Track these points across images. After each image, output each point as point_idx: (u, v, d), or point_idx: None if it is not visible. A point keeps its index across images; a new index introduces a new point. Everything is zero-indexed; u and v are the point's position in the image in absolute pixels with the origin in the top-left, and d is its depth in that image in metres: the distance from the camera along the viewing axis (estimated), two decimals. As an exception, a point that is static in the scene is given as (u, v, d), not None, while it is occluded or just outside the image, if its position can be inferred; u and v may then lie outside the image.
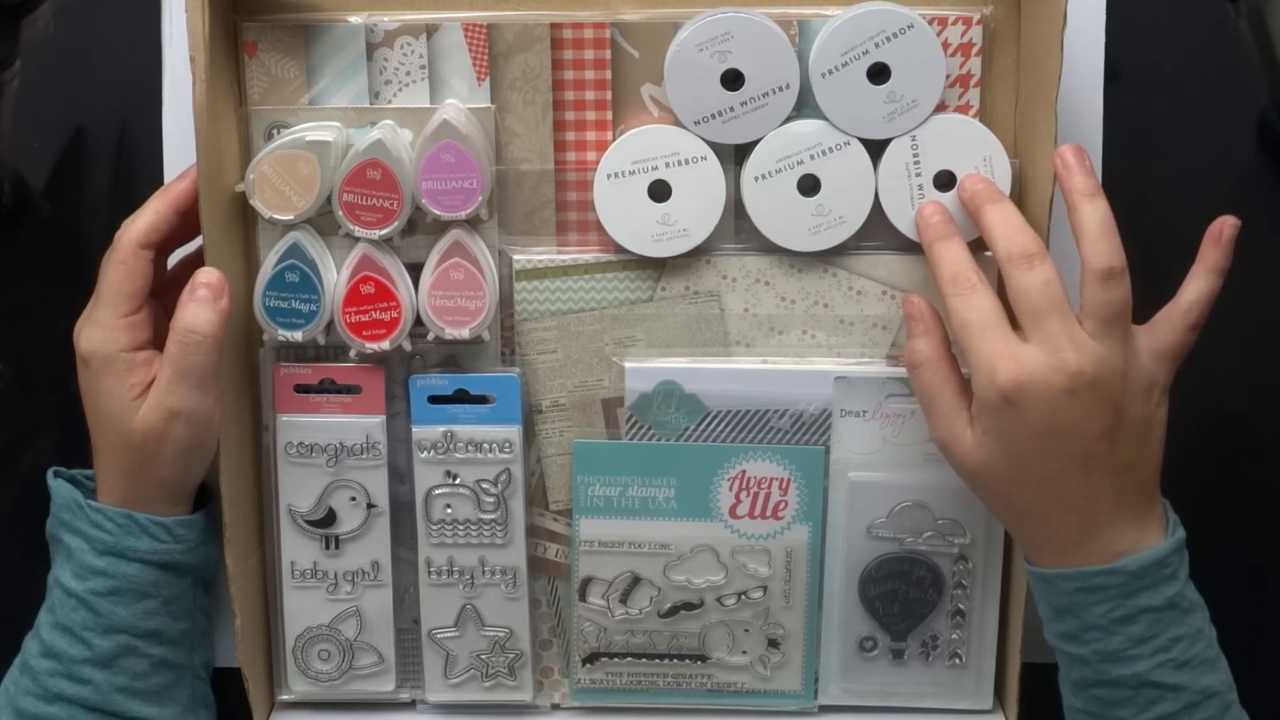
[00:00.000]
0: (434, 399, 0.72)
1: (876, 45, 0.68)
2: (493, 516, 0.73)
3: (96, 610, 0.66)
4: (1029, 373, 0.60)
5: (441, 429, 0.72)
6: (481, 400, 0.72)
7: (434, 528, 0.73)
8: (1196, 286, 0.64)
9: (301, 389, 0.72)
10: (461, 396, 0.72)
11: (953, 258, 0.65)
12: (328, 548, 0.73)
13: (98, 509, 0.67)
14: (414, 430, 0.72)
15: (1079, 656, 0.63)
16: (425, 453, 0.72)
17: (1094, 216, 0.62)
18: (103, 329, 0.66)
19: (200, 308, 0.66)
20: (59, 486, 0.69)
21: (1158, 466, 0.64)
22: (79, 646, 0.66)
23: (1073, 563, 0.62)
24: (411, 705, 0.77)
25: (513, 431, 0.72)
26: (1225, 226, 0.65)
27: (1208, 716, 0.62)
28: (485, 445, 0.72)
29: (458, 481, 0.72)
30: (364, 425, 0.72)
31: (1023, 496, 0.63)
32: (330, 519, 0.73)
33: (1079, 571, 0.62)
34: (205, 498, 0.71)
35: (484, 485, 0.72)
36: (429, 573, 0.73)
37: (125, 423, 0.66)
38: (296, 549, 0.73)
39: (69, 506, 0.68)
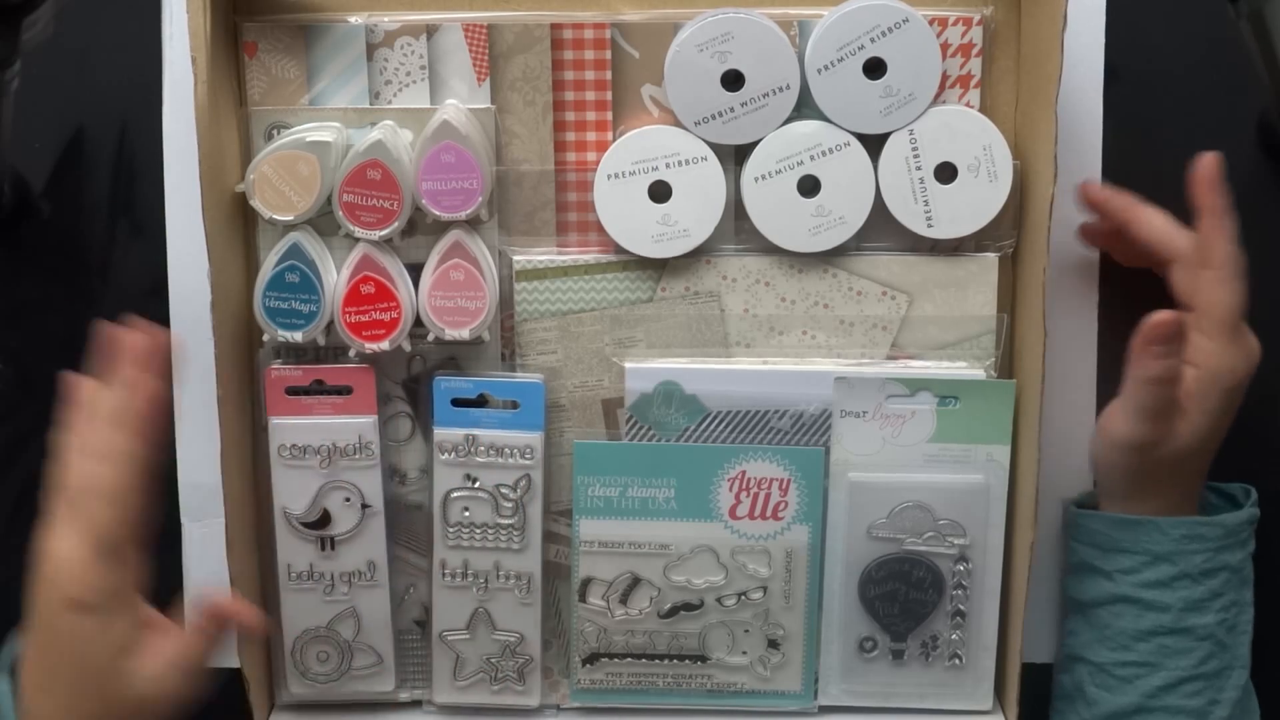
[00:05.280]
0: (456, 402, 0.72)
1: (872, 40, 0.69)
2: (510, 521, 0.73)
3: None
4: (1251, 367, 0.68)
5: (463, 432, 0.72)
6: (481, 402, 0.72)
7: (450, 530, 0.73)
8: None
9: (293, 391, 0.72)
10: (479, 400, 0.72)
11: (1229, 242, 0.68)
12: (323, 549, 0.73)
13: None
14: (435, 432, 0.72)
15: (1162, 604, 0.68)
16: (446, 455, 0.72)
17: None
18: (109, 577, 0.58)
19: (219, 631, 0.63)
20: (5, 702, 0.62)
21: None
22: None
23: (1183, 514, 0.69)
24: (413, 705, 0.76)
25: (534, 438, 0.72)
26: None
27: (1240, 684, 0.69)
28: (506, 450, 0.72)
29: (477, 485, 0.72)
30: (356, 426, 0.72)
31: (1196, 464, 0.70)
32: (325, 520, 0.73)
33: (1191, 520, 0.69)
34: None
35: (503, 490, 0.72)
36: (443, 574, 0.73)
37: (119, 683, 0.59)
38: (292, 551, 0.73)
39: None
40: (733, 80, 0.69)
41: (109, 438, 0.59)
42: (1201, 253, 0.67)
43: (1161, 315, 0.65)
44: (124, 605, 0.59)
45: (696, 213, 0.71)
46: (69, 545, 0.59)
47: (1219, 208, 0.68)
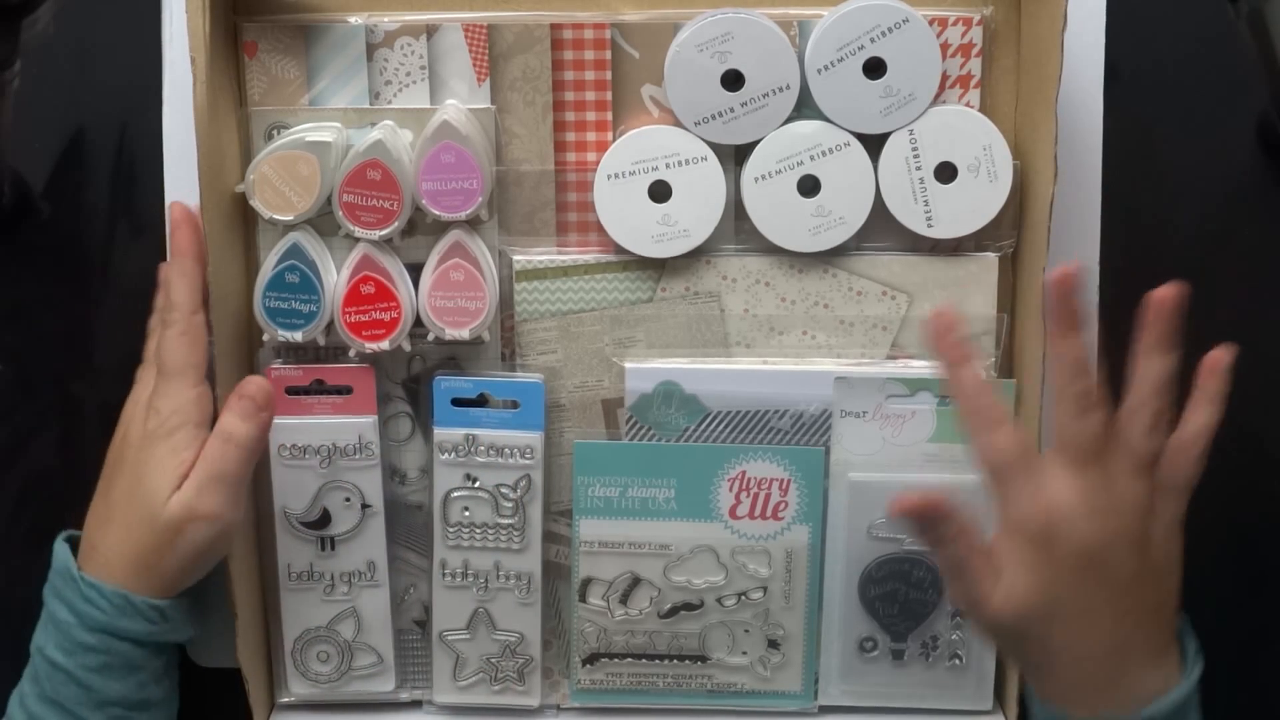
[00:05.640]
0: (456, 401, 0.72)
1: (872, 40, 0.69)
2: (510, 521, 0.73)
3: (87, 685, 0.65)
4: (1065, 512, 0.59)
5: (463, 432, 0.72)
6: (482, 402, 0.72)
7: (450, 530, 0.73)
8: (1200, 416, 0.62)
9: (293, 391, 0.72)
10: (480, 400, 0.72)
11: (976, 388, 0.61)
12: (323, 549, 0.73)
13: (91, 585, 0.65)
14: (435, 432, 0.72)
15: None
16: (446, 455, 0.72)
17: (1162, 371, 0.61)
18: (173, 402, 0.65)
19: (240, 419, 0.66)
20: (61, 552, 0.67)
21: (1177, 604, 0.62)
22: None
23: (1102, 707, 0.60)
24: (413, 706, 0.76)
25: (534, 438, 0.72)
26: (1222, 358, 0.62)
27: None
28: (506, 450, 0.72)
29: (477, 485, 0.72)
30: (356, 425, 0.72)
31: (1060, 638, 0.60)
32: (325, 520, 0.73)
33: (1108, 717, 0.60)
34: None
35: (503, 490, 0.72)
36: (443, 574, 0.73)
37: (156, 505, 0.65)
38: (292, 551, 0.73)
39: (63, 574, 0.66)
40: (733, 80, 0.69)
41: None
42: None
43: (900, 501, 0.61)
44: (189, 432, 0.66)
45: (696, 213, 0.71)
46: (146, 387, 0.68)
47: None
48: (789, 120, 0.70)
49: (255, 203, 0.69)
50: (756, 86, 0.69)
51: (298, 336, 0.70)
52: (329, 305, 0.70)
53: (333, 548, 0.73)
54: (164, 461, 0.65)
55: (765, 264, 0.72)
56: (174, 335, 0.66)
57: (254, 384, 0.67)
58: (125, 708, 0.66)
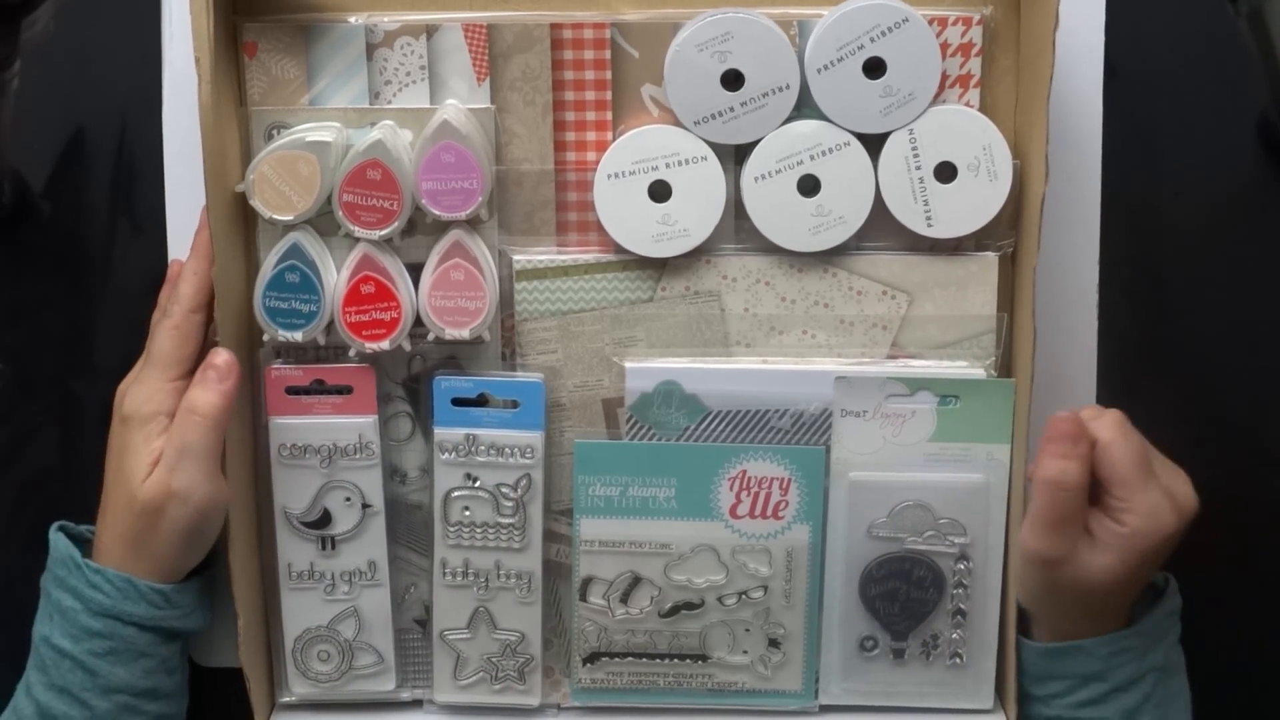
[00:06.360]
0: (456, 401, 0.72)
1: (872, 39, 0.69)
2: (511, 521, 0.73)
3: (94, 671, 0.66)
4: (1189, 512, 0.67)
5: (464, 431, 0.72)
6: (482, 401, 0.72)
7: (451, 529, 0.73)
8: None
9: (293, 390, 0.72)
10: (480, 400, 0.72)
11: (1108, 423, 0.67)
12: (324, 549, 0.73)
13: (96, 570, 0.66)
14: (436, 431, 0.72)
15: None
16: (446, 454, 0.72)
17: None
18: (149, 390, 0.67)
19: (203, 389, 0.67)
20: (58, 541, 0.68)
21: None
22: (78, 708, 0.66)
23: (1106, 629, 0.68)
24: (414, 705, 0.76)
25: (535, 437, 0.72)
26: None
27: None
28: (507, 449, 0.72)
29: (477, 484, 0.72)
30: (356, 425, 0.72)
31: (1121, 593, 0.68)
32: (325, 520, 0.73)
33: (1114, 635, 0.68)
34: (204, 564, 0.71)
35: (504, 489, 0.72)
36: (444, 574, 0.73)
37: (134, 488, 0.66)
38: (293, 551, 0.73)
39: (65, 563, 0.67)
40: (733, 80, 0.70)
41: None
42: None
43: (1061, 414, 0.66)
44: (162, 422, 0.67)
45: (696, 212, 0.71)
46: (131, 375, 0.69)
47: (1073, 432, 0.66)
48: (789, 120, 0.70)
49: (255, 202, 0.69)
50: (756, 86, 0.69)
51: (298, 336, 0.70)
52: (329, 305, 0.70)
53: (333, 547, 0.73)
54: (139, 449, 0.67)
55: (765, 263, 0.72)
56: (166, 327, 0.68)
57: (219, 355, 0.68)
58: (132, 695, 0.67)
